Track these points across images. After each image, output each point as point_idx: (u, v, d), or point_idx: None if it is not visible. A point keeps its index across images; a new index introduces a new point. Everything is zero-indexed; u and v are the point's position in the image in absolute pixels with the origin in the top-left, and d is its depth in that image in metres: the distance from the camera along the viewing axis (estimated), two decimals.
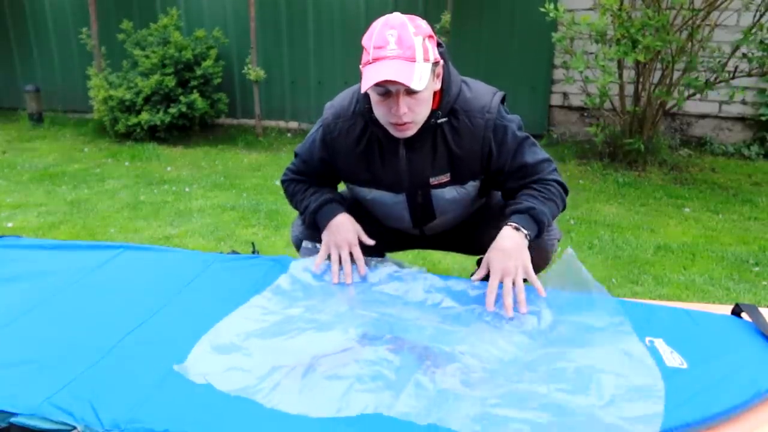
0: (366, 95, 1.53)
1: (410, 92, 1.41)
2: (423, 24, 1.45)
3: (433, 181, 1.62)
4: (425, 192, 1.64)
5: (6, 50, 6.47)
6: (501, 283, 1.45)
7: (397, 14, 1.45)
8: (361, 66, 1.44)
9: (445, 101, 1.54)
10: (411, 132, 1.50)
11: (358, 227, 1.67)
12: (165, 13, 5.45)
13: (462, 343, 1.32)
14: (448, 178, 1.62)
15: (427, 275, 1.61)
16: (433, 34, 1.47)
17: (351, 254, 1.61)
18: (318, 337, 1.35)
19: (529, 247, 1.56)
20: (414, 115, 1.46)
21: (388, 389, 1.17)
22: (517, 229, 1.49)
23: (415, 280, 1.59)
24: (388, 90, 1.42)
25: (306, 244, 1.71)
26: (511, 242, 1.48)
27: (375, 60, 1.40)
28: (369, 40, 1.43)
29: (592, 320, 1.39)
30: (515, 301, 1.43)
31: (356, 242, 1.60)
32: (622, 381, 1.19)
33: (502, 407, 1.12)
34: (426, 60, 1.41)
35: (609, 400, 1.14)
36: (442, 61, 1.49)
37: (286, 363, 1.25)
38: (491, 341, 1.33)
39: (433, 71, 1.46)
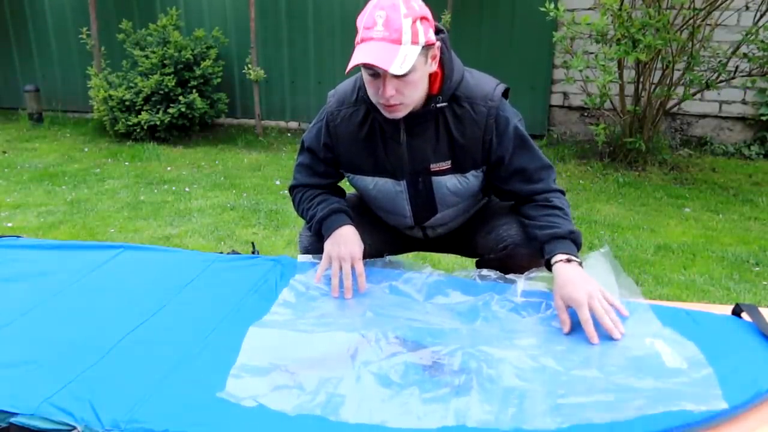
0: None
1: (397, 75, 1.39)
2: (417, 5, 1.42)
3: (434, 167, 1.60)
4: (426, 179, 1.63)
5: (6, 50, 6.47)
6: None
7: None
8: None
9: (447, 86, 1.52)
10: (401, 113, 1.49)
11: (361, 243, 1.62)
12: (165, 13, 5.45)
13: (497, 339, 1.33)
14: (449, 166, 1.60)
15: (432, 273, 1.61)
16: (428, 16, 1.44)
17: (353, 268, 1.56)
18: (351, 342, 1.32)
19: (531, 254, 1.57)
20: (402, 97, 1.44)
21: (456, 396, 1.16)
22: (569, 260, 1.46)
23: (422, 279, 1.59)
24: (376, 71, 1.41)
25: (302, 258, 1.68)
26: (573, 273, 1.43)
27: (362, 41, 1.39)
28: (361, 19, 1.42)
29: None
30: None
31: (359, 256, 1.57)
32: (665, 357, 1.25)
33: (569, 396, 1.14)
34: (414, 43, 1.38)
35: (663, 372, 1.19)
36: (438, 43, 1.47)
37: (332, 374, 1.22)
38: (522, 334, 1.35)
39: (425, 54, 1.43)
